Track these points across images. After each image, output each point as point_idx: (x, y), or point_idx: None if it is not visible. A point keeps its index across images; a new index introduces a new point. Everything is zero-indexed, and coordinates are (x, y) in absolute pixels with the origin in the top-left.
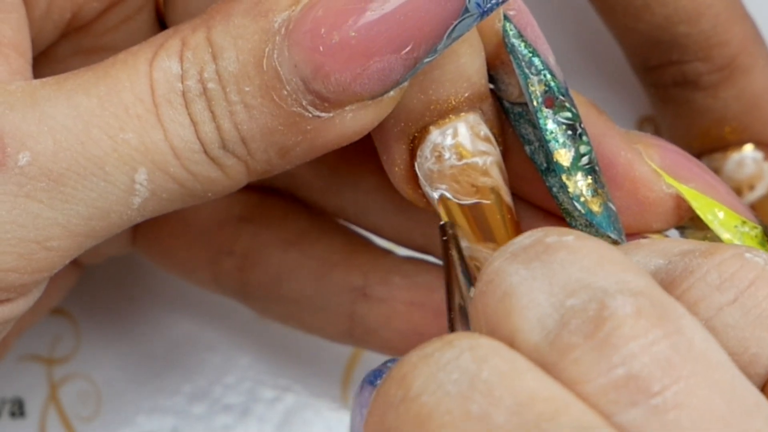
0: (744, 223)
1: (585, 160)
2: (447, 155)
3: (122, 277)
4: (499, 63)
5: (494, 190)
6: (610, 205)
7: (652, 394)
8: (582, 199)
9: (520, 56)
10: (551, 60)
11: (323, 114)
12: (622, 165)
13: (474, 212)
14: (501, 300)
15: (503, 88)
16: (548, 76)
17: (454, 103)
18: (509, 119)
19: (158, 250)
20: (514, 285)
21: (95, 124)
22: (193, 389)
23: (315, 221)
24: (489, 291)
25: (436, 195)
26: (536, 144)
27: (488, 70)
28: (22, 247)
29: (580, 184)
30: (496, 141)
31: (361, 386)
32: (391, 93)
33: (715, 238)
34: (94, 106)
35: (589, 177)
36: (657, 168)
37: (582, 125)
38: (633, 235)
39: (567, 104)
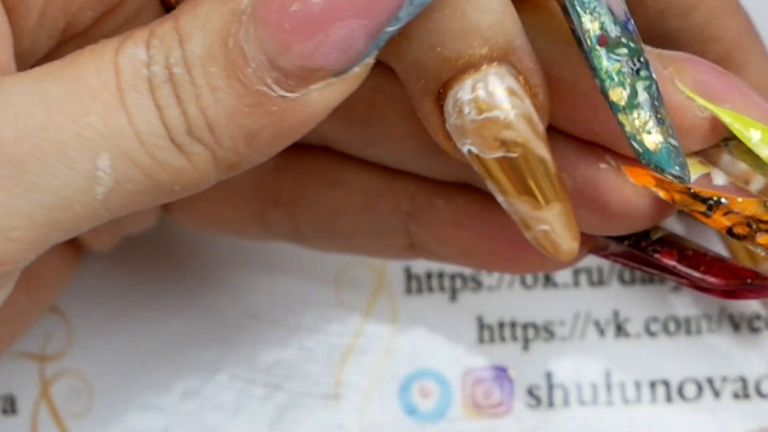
0: None
1: (643, 96)
2: (467, 110)
3: (115, 274)
4: None
5: (520, 143)
6: (672, 140)
7: None
8: (639, 137)
9: None
10: None
11: (288, 93)
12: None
13: (503, 166)
14: None
15: (569, 19)
16: (602, 12)
17: (469, 59)
18: (581, 50)
19: (200, 217)
20: None
21: (59, 109)
22: (185, 387)
23: (350, 161)
24: None
25: (464, 150)
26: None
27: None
28: None
29: (636, 122)
30: (531, 91)
31: None
32: (356, 69)
33: (760, 162)
34: (58, 92)
35: (648, 114)
36: (689, 92)
37: (643, 58)
38: None
39: (624, 39)
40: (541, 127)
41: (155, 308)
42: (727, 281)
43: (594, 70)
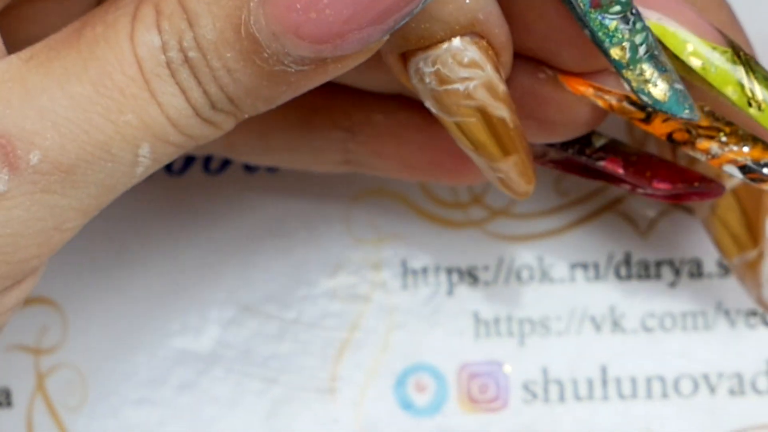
0: (714, 48)
1: (642, 49)
2: (428, 80)
3: (110, 267)
4: None
5: (480, 109)
6: (677, 85)
7: None
8: (647, 90)
9: None
10: None
11: (306, 68)
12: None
13: (462, 126)
14: None
15: None
16: None
17: (431, 40)
18: (565, 5)
19: None
20: None
21: (95, 111)
22: (180, 381)
23: None
24: None
25: (426, 104)
26: (593, 35)
27: None
28: (43, 236)
29: (642, 77)
30: (495, 51)
31: None
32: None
33: (688, 68)
34: (90, 93)
35: (650, 64)
36: None
37: (634, 10)
38: (601, 71)
39: None
40: (501, 87)
41: (150, 302)
42: (674, 185)
43: (591, 32)
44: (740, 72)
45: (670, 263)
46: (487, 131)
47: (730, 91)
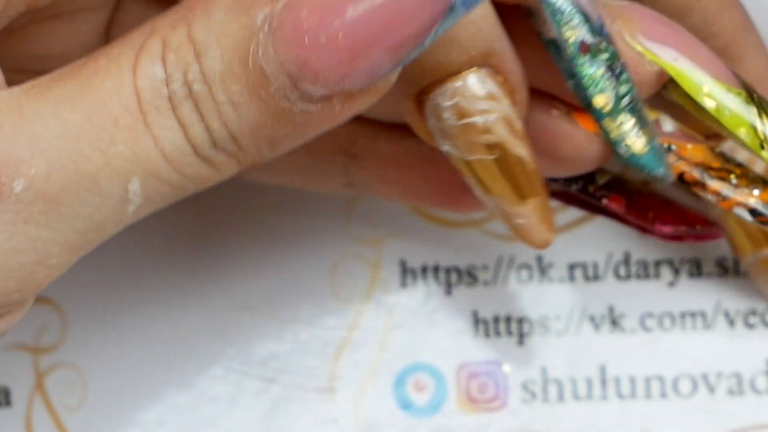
0: (729, 90)
1: (626, 100)
2: (446, 115)
3: (109, 266)
4: (532, 1)
5: (499, 145)
6: (654, 141)
7: None
8: (625, 142)
9: (549, 4)
10: None
11: (311, 106)
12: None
13: (483, 166)
14: None
15: (540, 23)
16: (581, 21)
17: (449, 69)
18: (550, 54)
19: None
20: None
21: (85, 141)
22: (179, 380)
23: None
24: None
25: (443, 149)
26: (577, 83)
27: (524, 5)
28: (24, 270)
29: (622, 127)
30: (511, 88)
31: None
32: (379, 84)
33: (702, 109)
34: (82, 122)
35: (632, 117)
36: (639, 47)
37: (621, 62)
38: None
39: (603, 44)
40: (519, 125)
41: (150, 301)
42: (676, 227)
43: (577, 78)
44: (753, 114)
45: (670, 263)
46: (508, 170)
47: (743, 133)
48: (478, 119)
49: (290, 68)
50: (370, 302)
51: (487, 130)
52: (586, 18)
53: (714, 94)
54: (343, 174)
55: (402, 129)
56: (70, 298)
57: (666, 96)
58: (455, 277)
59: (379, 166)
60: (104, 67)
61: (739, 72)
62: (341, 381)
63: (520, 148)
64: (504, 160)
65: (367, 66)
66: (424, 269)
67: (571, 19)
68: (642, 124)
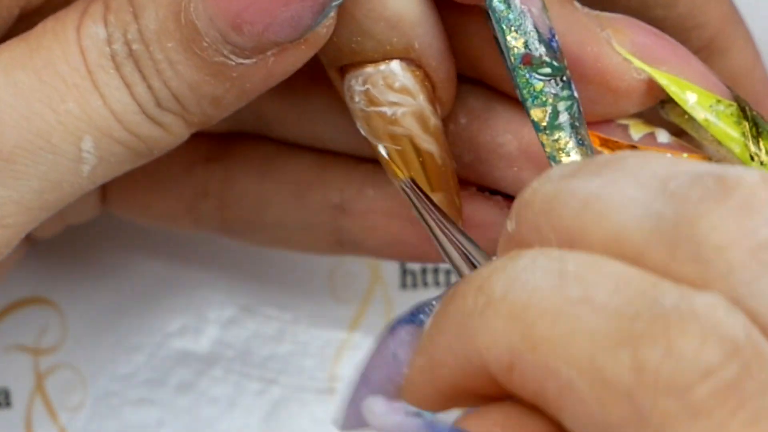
0: (719, 101)
1: (564, 117)
2: (357, 99)
3: (109, 268)
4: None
5: (407, 138)
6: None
7: None
8: (558, 157)
9: (496, 11)
10: (535, 10)
11: (246, 60)
12: (589, 59)
13: (390, 154)
14: (582, 210)
15: (493, 28)
16: (527, 31)
17: (364, 56)
18: (502, 59)
19: (135, 208)
20: (594, 192)
21: (37, 99)
22: (180, 381)
23: (281, 149)
24: (555, 207)
25: (357, 126)
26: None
27: (483, 7)
28: None
29: (556, 144)
30: (432, 84)
31: (393, 328)
32: (308, 34)
33: (696, 126)
34: (33, 81)
35: (568, 135)
36: (627, 54)
37: (565, 78)
38: (607, 121)
39: (547, 59)
40: (432, 121)
41: (150, 302)
42: None
43: (517, 88)
44: (744, 126)
45: None
46: (413, 162)
47: (733, 145)
48: (386, 110)
49: (218, 22)
50: (370, 303)
51: (394, 122)
52: (534, 29)
53: (704, 104)
54: (333, 229)
55: (386, 174)
56: (70, 300)
57: (663, 115)
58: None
59: (368, 214)
60: (51, 28)
61: (726, 63)
62: (341, 382)
63: (429, 143)
64: (410, 152)
65: (288, 16)
66: (424, 270)
67: (517, 29)
68: (579, 142)
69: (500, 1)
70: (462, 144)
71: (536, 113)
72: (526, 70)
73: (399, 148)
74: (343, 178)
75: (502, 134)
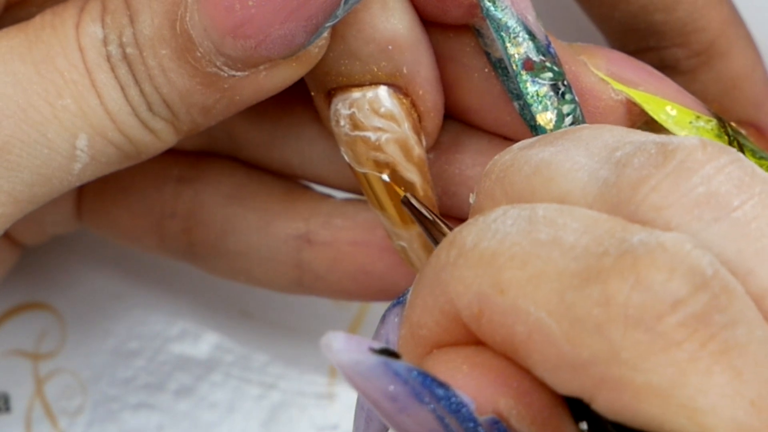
0: (698, 117)
1: (569, 120)
2: (342, 123)
3: (108, 273)
4: (479, 20)
5: (389, 166)
6: None
7: (732, 209)
8: None
9: (495, 19)
10: (530, 17)
11: (238, 73)
12: (570, 78)
13: (371, 181)
14: (532, 174)
15: (488, 44)
16: (526, 38)
17: (351, 79)
18: (496, 74)
19: (104, 222)
20: (545, 158)
21: (34, 91)
22: (179, 386)
23: (252, 175)
24: (508, 173)
25: (342, 153)
26: (522, 101)
27: (473, 25)
28: None
29: None
30: (418, 113)
31: (384, 315)
32: (301, 53)
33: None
34: (31, 73)
35: None
36: (604, 76)
37: (565, 82)
38: None
39: (548, 64)
40: (416, 150)
41: (149, 308)
42: None
43: (520, 96)
44: (724, 141)
45: None
46: (391, 192)
47: None
48: (370, 135)
49: (212, 34)
50: (370, 308)
51: (377, 148)
52: (532, 36)
53: (682, 121)
54: (296, 263)
55: (354, 204)
56: (69, 305)
57: None
58: None
59: (333, 243)
60: (50, 23)
61: (727, 66)
62: (341, 386)
63: (411, 173)
64: (392, 181)
65: (282, 33)
66: None
67: (516, 36)
68: None
69: (497, 10)
70: (431, 177)
71: (542, 118)
72: (528, 76)
73: (383, 174)
74: (312, 208)
75: (471, 167)
